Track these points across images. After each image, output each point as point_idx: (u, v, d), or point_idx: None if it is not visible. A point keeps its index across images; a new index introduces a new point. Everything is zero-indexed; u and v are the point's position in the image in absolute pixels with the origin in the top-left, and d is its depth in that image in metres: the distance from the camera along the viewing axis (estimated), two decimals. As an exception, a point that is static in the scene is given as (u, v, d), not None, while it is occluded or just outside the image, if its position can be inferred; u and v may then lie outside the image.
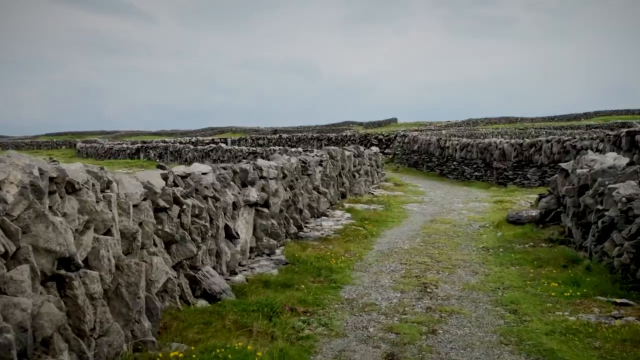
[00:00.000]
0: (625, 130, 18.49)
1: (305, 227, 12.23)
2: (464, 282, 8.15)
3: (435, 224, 13.52)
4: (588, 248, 9.32)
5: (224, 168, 8.26)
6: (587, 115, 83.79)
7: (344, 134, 42.15)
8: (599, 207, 9.03)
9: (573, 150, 20.24)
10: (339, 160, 16.86)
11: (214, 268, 7.29)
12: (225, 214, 7.89)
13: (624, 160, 9.99)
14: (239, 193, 8.47)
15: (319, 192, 14.19)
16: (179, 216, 6.46)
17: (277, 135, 47.87)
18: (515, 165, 23.03)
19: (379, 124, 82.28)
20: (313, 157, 14.43)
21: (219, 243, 7.56)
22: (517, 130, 56.37)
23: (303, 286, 7.62)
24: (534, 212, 12.51)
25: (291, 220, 10.88)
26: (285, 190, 10.79)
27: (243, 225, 8.67)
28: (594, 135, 20.20)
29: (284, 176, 10.87)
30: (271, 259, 9.05)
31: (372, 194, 19.25)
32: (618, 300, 6.77)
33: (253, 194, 8.78)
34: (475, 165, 25.38)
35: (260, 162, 9.89)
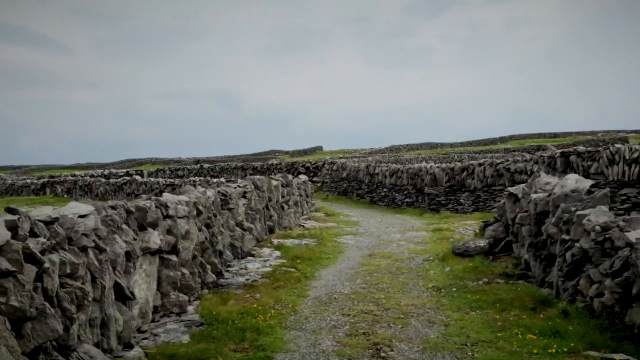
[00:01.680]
0: (560, 151, 18.06)
1: (228, 272, 10.39)
2: (423, 338, 6.63)
3: (375, 259, 12.05)
4: (554, 285, 8.11)
5: (114, 207, 6.36)
6: (503, 140, 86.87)
7: (271, 162, 40.48)
8: (566, 237, 7.87)
9: (507, 174, 19.64)
10: (265, 191, 15.17)
11: (97, 345, 5.37)
12: (115, 268, 5.99)
13: (586, 183, 8.97)
14: (135, 239, 6.59)
15: (244, 229, 12.41)
16: (39, 280, 4.55)
17: (199, 165, 45.47)
18: (448, 191, 22.23)
19: (305, 152, 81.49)
20: (235, 188, 12.66)
21: (106, 309, 5.65)
22: (441, 155, 57.06)
23: (222, 359, 5.84)
24: (482, 243, 11.33)
25: (208, 267, 9.04)
26: (201, 230, 8.97)
27: (142, 281, 6.77)
28: (527, 157, 19.69)
29: (199, 213, 9.06)
30: (182, 320, 7.18)
31: (303, 226, 17.65)
32: (616, 358, 5.47)
33: (155, 239, 6.91)
34: (406, 192, 24.42)
35: (166, 197, 8.04)
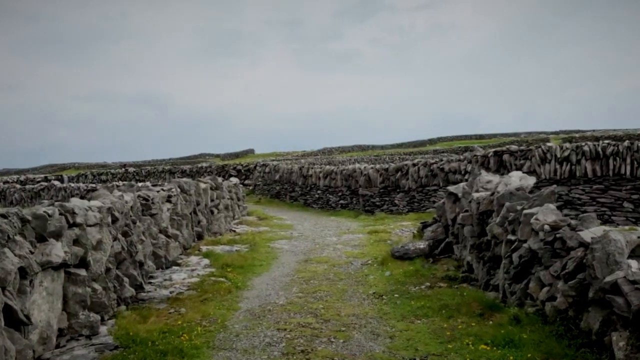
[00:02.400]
0: (493, 150, 18.11)
1: (150, 284, 9.39)
2: (367, 353, 6.00)
3: (311, 264, 11.37)
4: (500, 288, 7.72)
5: (4, 216, 5.31)
6: (431, 141, 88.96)
7: (200, 165, 39.04)
8: (512, 237, 7.49)
9: (441, 173, 19.56)
10: (192, 194, 14.16)
11: (-23, 385, 4.35)
12: (4, 288, 4.97)
13: (530, 180, 8.68)
14: (32, 252, 5.56)
15: (168, 236, 11.39)
16: None
17: (124, 169, 43.28)
18: (382, 192, 21.95)
19: (236, 155, 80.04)
20: (159, 192, 11.62)
21: (-9, 339, 4.63)
22: (372, 156, 57.43)
23: (136, 391, 4.96)
24: (422, 244, 10.90)
25: (126, 280, 8.03)
26: (116, 239, 7.95)
27: (43, 300, 5.74)
28: (461, 157, 19.69)
29: (114, 220, 8.04)
30: (92, 344, 6.19)
31: (234, 231, 16.73)
32: (577, 368, 5.04)
33: (57, 251, 5.89)
34: (340, 193, 23.97)
35: (74, 202, 6.99)
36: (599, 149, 15.28)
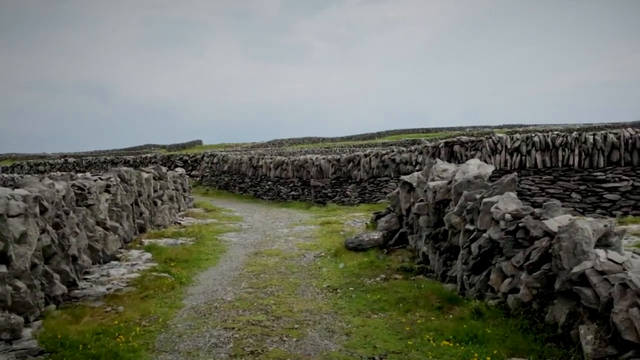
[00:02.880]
0: (443, 141, 18.02)
1: (85, 280, 8.65)
2: (323, 353, 5.56)
3: (261, 257, 10.85)
4: (459, 280, 7.44)
5: None
6: (380, 135, 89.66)
7: (144, 156, 37.69)
8: (470, 227, 7.21)
9: (392, 164, 19.36)
10: (134, 184, 13.34)
11: None
12: None
13: (488, 168, 8.44)
14: (-63, 247, 4.81)
15: (106, 228, 10.61)
16: None
17: (63, 159, 41.31)
18: (334, 183, 21.59)
19: (183, 147, 78.19)
20: (96, 181, 10.81)
21: None
22: (323, 148, 57.20)
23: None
24: (376, 235, 10.57)
25: (56, 276, 7.28)
26: (45, 231, 7.18)
27: (-49, 302, 5.00)
28: (412, 148, 19.55)
29: (43, 210, 7.27)
30: (12, 349, 5.49)
31: (180, 223, 15.98)
32: (545, 364, 4.76)
33: (-30, 245, 5.15)
34: (292, 185, 23.48)
35: (-6, 190, 6.21)
36: (549, 140, 15.38)
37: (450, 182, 8.03)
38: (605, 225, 5.28)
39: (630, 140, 14.59)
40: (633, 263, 4.69)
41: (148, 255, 10.96)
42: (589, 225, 5.19)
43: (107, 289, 8.26)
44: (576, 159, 15.02)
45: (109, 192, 11.54)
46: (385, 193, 19.54)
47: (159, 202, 15.46)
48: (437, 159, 9.67)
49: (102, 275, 9.10)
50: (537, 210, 5.94)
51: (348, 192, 20.87)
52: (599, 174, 14.74)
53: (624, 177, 14.60)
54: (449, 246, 7.94)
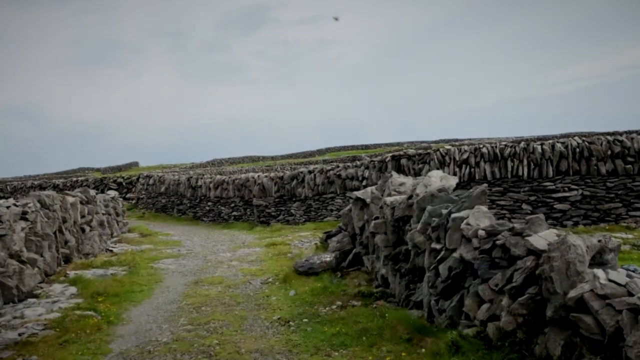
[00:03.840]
0: (390, 155, 17.50)
1: (-9, 325, 7.33)
2: (279, 406, 4.62)
3: (202, 286, 9.77)
4: (425, 305, 6.69)
5: None
6: (320, 152, 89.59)
7: (75, 179, 35.42)
8: (437, 245, 6.49)
9: (338, 180, 18.66)
10: (57, 210, 11.95)
11: None
12: None
13: (452, 180, 7.77)
14: None
15: (22, 261, 9.26)
16: None
17: (-16, 185, 38.28)
18: (278, 201, 20.66)
19: (119, 169, 75.14)
20: (9, 207, 9.45)
21: None
22: (264, 167, 56.22)
23: None
24: (328, 257, 9.73)
25: (-51, 325, 6.00)
26: None
27: None
28: (358, 163, 18.93)
29: None
30: None
31: (111, 251, 14.58)
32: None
33: None
34: (233, 205, 22.37)
35: None
36: (497, 150, 15.12)
37: (410, 197, 7.31)
38: (599, 241, 4.65)
39: (577, 149, 14.50)
40: (638, 284, 4.04)
41: (73, 289, 9.66)
42: (582, 241, 4.54)
43: (19, 334, 7.01)
44: (525, 169, 14.79)
45: (26, 219, 10.17)
46: (332, 210, 18.81)
47: (88, 229, 14.04)
48: (393, 172, 8.98)
49: (14, 317, 7.79)
50: (517, 226, 5.26)
51: (293, 211, 19.98)
52: (548, 184, 14.55)
53: (573, 187, 14.47)
54: (412, 268, 7.19)
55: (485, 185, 6.57)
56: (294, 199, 20.18)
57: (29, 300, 8.83)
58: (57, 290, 9.66)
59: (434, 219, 6.63)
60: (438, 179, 7.77)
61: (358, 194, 9.52)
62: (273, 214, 20.64)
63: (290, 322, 7.10)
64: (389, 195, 8.22)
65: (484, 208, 6.07)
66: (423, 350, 5.54)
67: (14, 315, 7.89)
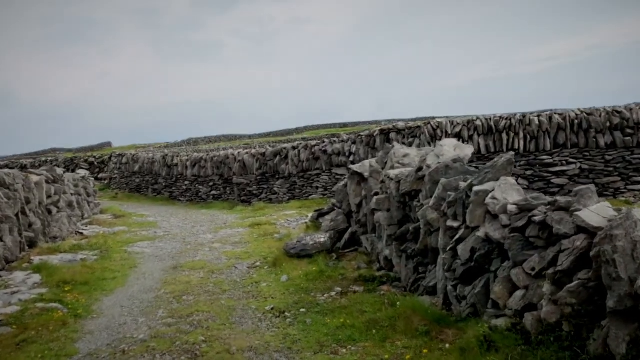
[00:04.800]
0: (379, 129, 16.64)
1: (-63, 322, 6.32)
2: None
3: (182, 272, 8.84)
4: (440, 291, 5.89)
5: None
6: (298, 130, 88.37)
7: (43, 159, 33.86)
8: (453, 223, 5.67)
9: (324, 156, 17.75)
10: (19, 190, 10.83)
11: None
12: None
13: (468, 150, 6.93)
14: None
15: (-24, 248, 8.21)
16: None
17: (-52, 166, 36.46)
18: (260, 179, 19.68)
19: (91, 149, 72.82)
20: (-40, 187, 8.36)
21: None
22: (242, 145, 54.96)
23: None
24: (322, 237, 8.87)
25: None
26: None
27: None
28: (344, 137, 18.02)
29: None
30: None
31: (82, 234, 13.51)
32: None
33: None
34: (212, 183, 21.32)
35: None
36: (492, 123, 14.37)
37: (420, 169, 6.45)
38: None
39: (576, 121, 13.82)
40: None
41: (36, 277, 8.65)
42: (649, 215, 3.74)
43: (-31, 334, 6.01)
44: (521, 142, 14.09)
45: (-19, 200, 9.08)
46: (317, 188, 17.95)
47: (55, 210, 12.92)
48: (395, 143, 8.12)
49: (-35, 313, 6.78)
50: (560, 199, 4.44)
51: (276, 189, 19.04)
52: (545, 157, 13.89)
53: (571, 160, 13.83)
54: (423, 249, 6.37)
55: (512, 153, 5.74)
56: (277, 177, 19.22)
57: (-14, 291, 7.81)
58: (19, 278, 8.64)
59: (449, 193, 5.80)
60: (451, 148, 6.91)
61: (355, 167, 8.64)
62: (255, 192, 19.68)
63: (286, 313, 6.24)
64: (392, 168, 7.36)
65: (511, 180, 5.25)
66: (447, 345, 4.73)
67: (-34, 309, 6.88)
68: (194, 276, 8.46)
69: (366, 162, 8.58)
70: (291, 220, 13.41)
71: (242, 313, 6.41)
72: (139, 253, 10.69)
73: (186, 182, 22.54)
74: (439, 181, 6.00)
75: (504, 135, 14.20)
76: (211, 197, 21.06)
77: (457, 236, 5.58)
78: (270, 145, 48.30)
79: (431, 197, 6.12)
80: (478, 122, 14.48)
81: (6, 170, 10.82)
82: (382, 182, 7.60)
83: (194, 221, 15.28)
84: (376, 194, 7.89)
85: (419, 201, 6.54)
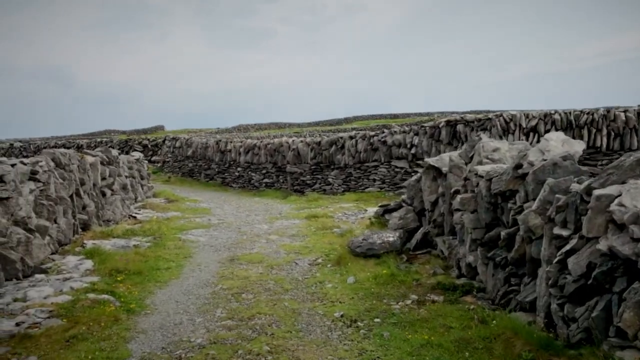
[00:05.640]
0: (445, 120, 15.69)
1: (-15, 309, 5.94)
2: None
3: (239, 266, 8.28)
4: (540, 309, 5.05)
5: None
6: (347, 120, 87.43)
7: (99, 140, 34.34)
8: (563, 232, 4.81)
9: (383, 147, 16.94)
10: (74, 170, 10.54)
11: None
12: None
13: (578, 146, 6.04)
14: None
15: (29, 230, 7.87)
16: None
17: (9, 144, 37.52)
18: (314, 169, 19.05)
19: (144, 132, 74.19)
20: (14, 165, 8.03)
21: None
22: (292, 134, 54.55)
23: None
24: (391, 236, 8.11)
25: None
26: None
27: None
28: (406, 128, 17.14)
29: None
30: None
31: (135, 217, 13.22)
32: None
33: None
34: (264, 171, 20.85)
35: None
36: (572, 117, 13.22)
37: (518, 166, 5.59)
38: None
39: (669, 118, 12.52)
40: None
41: (89, 263, 8.27)
42: None
43: (17, 324, 5.60)
44: (604, 139, 12.89)
45: (36, 180, 8.76)
46: (374, 180, 17.17)
47: (109, 192, 12.65)
48: (483, 135, 7.26)
49: (15, 300, 6.40)
50: None
51: (330, 180, 18.36)
52: (631, 157, 12.63)
53: (661, 161, 12.54)
54: (518, 258, 5.54)
55: (644, 152, 4.83)
56: (332, 167, 18.54)
57: (36, 276, 7.45)
58: (71, 263, 8.29)
59: (558, 196, 4.94)
60: (559, 143, 6.00)
61: (431, 161, 7.83)
62: (308, 182, 19.07)
63: (358, 322, 5.54)
64: (480, 163, 6.52)
65: (645, 183, 4.36)
66: (565, 381, 3.92)
67: (15, 296, 6.50)
68: (252, 271, 7.88)
69: (444, 156, 7.75)
70: (349, 214, 12.71)
71: (308, 319, 5.75)
72: (194, 242, 10.22)
73: (239, 169, 22.16)
74: (545, 181, 5.14)
75: (585, 131, 13.04)
76: (264, 184, 20.60)
77: (566, 247, 4.73)
78: (322, 135, 47.72)
79: (533, 199, 5.27)
80: (556, 116, 13.35)
81: (62, 150, 10.53)
82: (466, 179, 6.78)
83: (248, 209, 14.78)
84: (456, 191, 7.07)
85: (514, 203, 5.69)
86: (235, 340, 5.11)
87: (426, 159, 8.16)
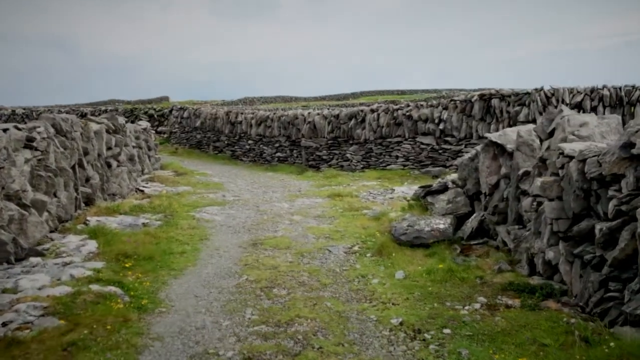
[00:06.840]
0: (477, 94, 14.48)
1: (-33, 303, 4.91)
2: None
3: (264, 251, 7.24)
4: (667, 327, 3.99)
5: None
6: (354, 95, 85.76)
7: (103, 108, 33.15)
8: None
9: (408, 122, 15.76)
10: (76, 138, 9.45)
11: None
12: None
13: None
14: None
15: (23, 205, 6.83)
16: None
17: (11, 111, 36.37)
18: (331, 143, 17.89)
19: (149, 102, 72.81)
20: (6, 131, 6.94)
21: None
22: (301, 107, 53.25)
23: None
24: (441, 223, 7.03)
25: None
26: None
27: None
28: (434, 102, 15.94)
29: None
30: None
31: (142, 191, 12.17)
32: None
33: None
34: (277, 145, 19.72)
35: None
36: (622, 93, 12.04)
37: (630, 145, 4.46)
38: None
39: None
40: None
41: (92, 245, 7.24)
42: None
43: (4, 325, 4.58)
44: (659, 119, 11.70)
45: (33, 148, 7.67)
46: (397, 157, 16.04)
47: (115, 164, 11.56)
48: (564, 107, 6.12)
49: (4, 290, 5.38)
50: None
51: (349, 155, 17.22)
52: (689, 139, 11.48)
53: None
54: (624, 259, 4.46)
55: None
56: (350, 142, 17.39)
57: (31, 259, 6.42)
58: (72, 244, 7.25)
59: (694, 184, 3.84)
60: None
61: (492, 136, 6.69)
62: (325, 157, 17.95)
63: (424, 333, 4.49)
64: (564, 140, 5.40)
65: None
66: None
67: (4, 286, 5.47)
68: (279, 259, 6.83)
69: (508, 131, 6.63)
70: (375, 194, 11.62)
71: (360, 326, 4.70)
72: (209, 221, 9.17)
73: (250, 142, 21.03)
74: (672, 165, 4.03)
75: (638, 109, 11.85)
76: (276, 159, 19.49)
77: None
78: (334, 108, 46.34)
79: (652, 186, 4.17)
80: (605, 92, 12.15)
81: (64, 116, 9.41)
82: (542, 159, 5.66)
83: (263, 185, 13.71)
84: (526, 173, 5.97)
85: (619, 190, 4.59)
86: (276, 356, 4.07)
87: (486, 134, 7.02)
